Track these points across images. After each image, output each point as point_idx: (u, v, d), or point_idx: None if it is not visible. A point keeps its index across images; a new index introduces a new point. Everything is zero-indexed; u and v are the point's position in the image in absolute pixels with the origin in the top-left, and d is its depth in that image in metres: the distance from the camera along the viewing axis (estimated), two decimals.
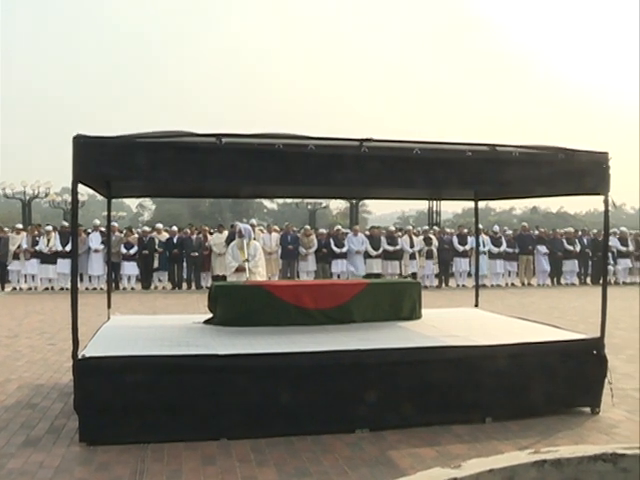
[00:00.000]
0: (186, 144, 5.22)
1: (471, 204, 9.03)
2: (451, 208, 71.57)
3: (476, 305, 8.72)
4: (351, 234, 20.96)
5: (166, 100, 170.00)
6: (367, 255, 20.37)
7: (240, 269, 10.05)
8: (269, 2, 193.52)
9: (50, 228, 19.83)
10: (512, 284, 21.89)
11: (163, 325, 7.20)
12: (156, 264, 20.04)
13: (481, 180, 5.96)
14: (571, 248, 22.19)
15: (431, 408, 5.75)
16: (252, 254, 10.16)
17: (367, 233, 21.46)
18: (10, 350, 9.43)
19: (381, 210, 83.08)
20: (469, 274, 20.99)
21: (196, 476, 4.63)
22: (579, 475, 2.38)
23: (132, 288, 19.58)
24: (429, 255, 20.84)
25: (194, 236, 20.31)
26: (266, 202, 68.60)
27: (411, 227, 23.92)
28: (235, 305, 7.14)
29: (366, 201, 52.08)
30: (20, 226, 21.15)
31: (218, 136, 5.18)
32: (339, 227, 22.11)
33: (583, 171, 5.98)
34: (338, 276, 19.88)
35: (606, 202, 6.04)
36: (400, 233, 22.00)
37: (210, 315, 7.30)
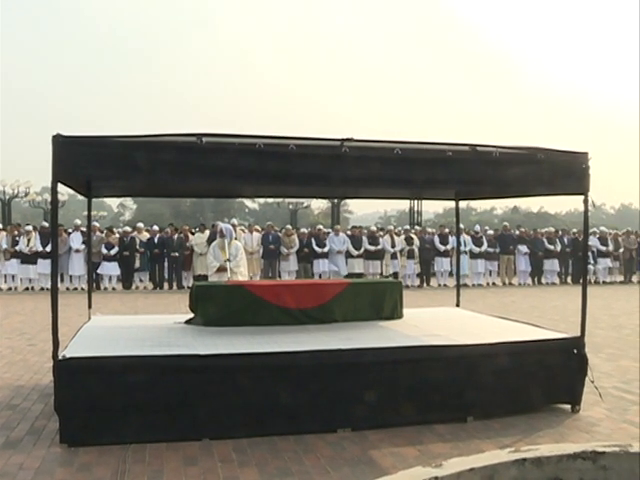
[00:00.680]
0: (166, 143, 5.20)
1: (452, 204, 9.07)
2: (432, 208, 71.83)
3: (457, 304, 8.75)
4: (333, 234, 20.97)
5: (151, 99, 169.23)
6: (349, 255, 20.42)
7: (221, 269, 10.05)
8: (251, 4, 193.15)
9: (30, 228, 19.58)
10: (493, 283, 22.02)
11: (144, 325, 7.17)
12: (137, 264, 19.93)
13: (462, 180, 5.98)
14: (552, 248, 22.33)
15: (413, 407, 5.75)
16: (233, 254, 10.16)
17: (349, 233, 21.52)
18: None
19: (363, 210, 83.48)
20: (450, 274, 21.03)
21: (178, 476, 4.61)
22: (559, 473, 2.40)
23: (113, 288, 19.43)
24: (410, 255, 20.87)
25: (175, 236, 20.23)
26: (247, 202, 68.63)
27: (392, 227, 23.97)
28: (216, 305, 7.12)
29: (348, 201, 52.41)
30: None
31: (199, 136, 5.16)
32: (321, 227, 22.05)
33: (563, 171, 6.02)
34: (320, 276, 19.88)
35: (586, 202, 6.10)
36: (382, 233, 22.06)
37: (191, 315, 7.27)
